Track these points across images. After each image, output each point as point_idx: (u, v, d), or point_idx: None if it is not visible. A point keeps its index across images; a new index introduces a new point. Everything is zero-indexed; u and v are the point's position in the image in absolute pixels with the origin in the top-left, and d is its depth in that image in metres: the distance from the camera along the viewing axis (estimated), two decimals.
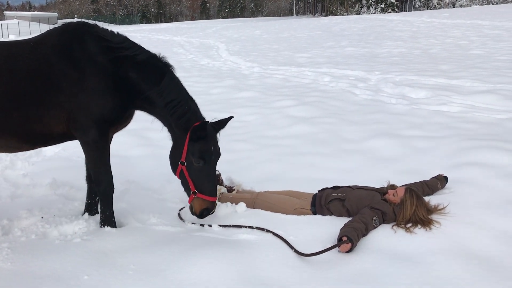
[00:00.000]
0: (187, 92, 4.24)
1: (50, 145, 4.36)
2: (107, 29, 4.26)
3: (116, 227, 4.30)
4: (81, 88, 3.98)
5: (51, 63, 3.98)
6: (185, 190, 4.30)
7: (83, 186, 5.34)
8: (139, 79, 4.12)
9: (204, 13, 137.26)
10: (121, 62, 4.10)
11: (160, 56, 4.24)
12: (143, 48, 4.24)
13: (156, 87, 4.08)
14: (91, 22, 4.41)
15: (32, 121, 3.95)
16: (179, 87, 4.21)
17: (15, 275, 3.41)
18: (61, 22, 75.81)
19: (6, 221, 4.33)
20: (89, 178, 4.59)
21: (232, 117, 4.36)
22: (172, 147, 4.26)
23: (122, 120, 4.31)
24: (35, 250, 3.77)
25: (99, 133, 4.09)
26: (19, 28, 52.10)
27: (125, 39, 4.22)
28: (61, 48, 4.05)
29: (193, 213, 4.23)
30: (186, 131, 4.06)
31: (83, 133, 4.08)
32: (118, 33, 4.26)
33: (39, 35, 4.28)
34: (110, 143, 4.30)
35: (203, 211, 4.15)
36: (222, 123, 4.25)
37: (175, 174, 4.29)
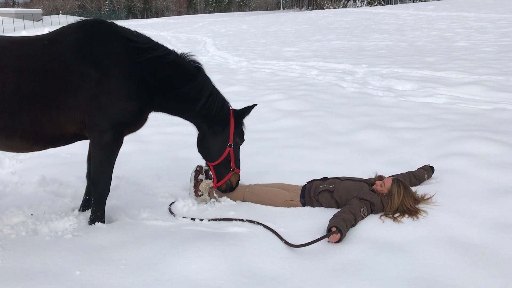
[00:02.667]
0: (213, 83, 4.54)
1: (61, 145, 4.23)
2: (126, 28, 4.17)
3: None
4: (102, 89, 3.87)
5: (68, 63, 3.82)
6: (218, 174, 4.66)
7: (73, 182, 5.35)
8: (174, 77, 4.19)
9: (190, 8, 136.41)
10: (149, 63, 4.05)
11: (186, 54, 4.36)
12: (167, 47, 4.29)
13: (193, 82, 4.24)
14: (102, 20, 4.29)
15: (44, 123, 3.80)
16: (210, 80, 4.47)
17: (6, 272, 3.40)
18: (45, 18, 74.86)
19: None
20: (89, 175, 4.53)
21: (256, 104, 4.73)
22: (213, 136, 4.50)
23: (139, 123, 4.28)
24: (26, 247, 3.76)
25: (114, 136, 4.04)
26: (3, 24, 51.29)
27: (149, 39, 4.20)
28: (79, 48, 3.89)
29: (227, 189, 4.73)
30: (228, 116, 4.50)
31: (98, 135, 4.00)
32: (136, 31, 4.20)
33: (51, 33, 4.08)
34: (121, 146, 4.23)
35: (237, 182, 4.74)
36: (249, 109, 4.65)
37: (217, 160, 4.56)
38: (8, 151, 4.09)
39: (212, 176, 4.76)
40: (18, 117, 3.71)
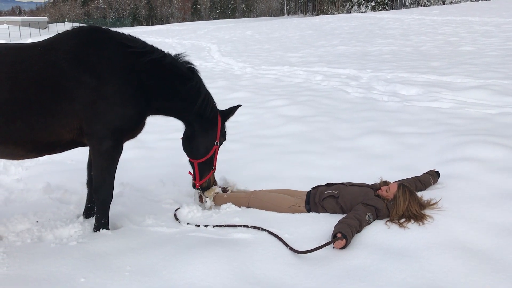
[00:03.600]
0: None
1: (58, 152, 4.20)
2: (121, 33, 4.18)
3: None
4: (99, 96, 3.85)
5: (63, 69, 3.80)
6: (201, 171, 4.77)
7: (77, 189, 5.36)
8: (173, 78, 4.26)
9: (195, 14, 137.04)
10: (148, 67, 4.09)
11: (180, 55, 4.41)
12: (162, 50, 4.33)
13: (190, 82, 4.34)
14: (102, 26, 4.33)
15: (39, 130, 3.78)
16: (203, 82, 4.57)
17: (11, 279, 3.41)
18: (51, 26, 75.39)
19: (1, 226, 4.33)
20: (90, 183, 4.53)
21: (240, 105, 4.93)
22: (203, 134, 4.61)
23: (138, 128, 4.29)
24: (31, 254, 3.77)
25: (114, 143, 4.03)
26: (9, 33, 51.70)
27: (145, 43, 4.23)
28: (74, 54, 3.87)
29: (207, 187, 4.85)
30: (216, 116, 4.64)
31: (97, 142, 3.98)
32: (130, 35, 4.22)
33: (46, 39, 4.07)
34: (121, 153, 4.22)
35: (215, 182, 4.95)
36: (234, 109, 4.81)
37: (204, 157, 4.67)
38: (3, 158, 4.06)
39: (196, 174, 4.80)
40: (12, 124, 3.69)
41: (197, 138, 4.64)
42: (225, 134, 4.86)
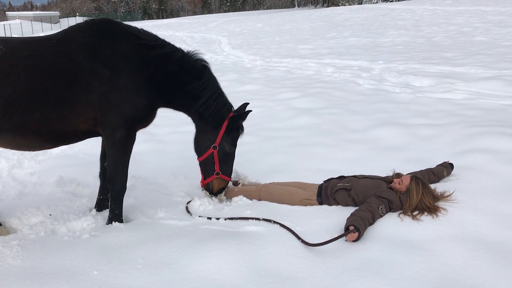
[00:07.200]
0: (219, 84, 4.58)
1: (73, 142, 4.29)
2: (132, 26, 4.23)
3: None
4: (113, 86, 3.92)
5: (77, 61, 3.87)
6: (203, 172, 4.72)
7: (90, 182, 5.40)
8: (181, 74, 4.26)
9: (205, 7, 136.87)
10: (158, 59, 4.13)
11: (193, 52, 4.41)
12: (174, 45, 4.35)
13: (198, 80, 4.33)
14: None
15: (56, 121, 3.85)
16: (216, 80, 4.52)
17: (26, 271, 3.44)
18: (63, 20, 75.77)
19: (15, 219, 4.37)
20: (102, 175, 4.59)
21: (251, 110, 4.75)
22: (201, 134, 4.60)
23: (150, 118, 4.34)
24: (45, 247, 3.80)
25: (127, 132, 4.10)
26: (22, 28, 52.14)
27: (156, 36, 4.27)
28: (88, 46, 3.94)
29: (210, 191, 4.78)
30: (222, 119, 4.53)
31: (111, 132, 4.05)
32: (143, 29, 4.26)
33: (59, 32, 4.13)
34: (134, 142, 4.27)
35: (221, 189, 4.79)
36: (244, 115, 4.68)
37: (200, 157, 4.66)
38: (20, 149, 4.12)
39: (200, 173, 4.82)
40: (30, 115, 3.76)
41: (196, 137, 4.69)
42: (234, 141, 4.68)
